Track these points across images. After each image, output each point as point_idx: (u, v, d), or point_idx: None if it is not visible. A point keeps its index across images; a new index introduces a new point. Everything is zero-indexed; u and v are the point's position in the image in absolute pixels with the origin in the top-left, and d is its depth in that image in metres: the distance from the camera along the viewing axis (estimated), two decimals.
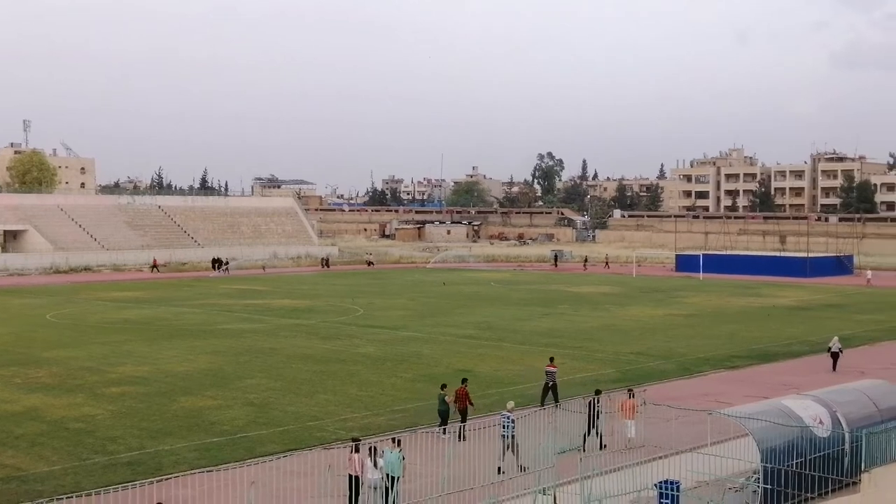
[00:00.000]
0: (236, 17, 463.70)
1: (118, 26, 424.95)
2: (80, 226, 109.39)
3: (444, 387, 29.47)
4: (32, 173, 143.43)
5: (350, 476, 21.29)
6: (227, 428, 28.15)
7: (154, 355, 41.81)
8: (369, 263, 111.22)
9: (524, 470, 22.23)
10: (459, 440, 25.70)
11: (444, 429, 26.75)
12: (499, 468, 23.25)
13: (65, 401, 31.90)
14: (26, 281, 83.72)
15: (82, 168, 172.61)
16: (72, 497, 19.16)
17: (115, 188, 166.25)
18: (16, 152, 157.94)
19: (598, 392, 28.41)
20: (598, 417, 26.80)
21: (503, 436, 24.95)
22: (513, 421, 24.60)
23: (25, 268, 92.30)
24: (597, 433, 26.70)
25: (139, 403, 31.54)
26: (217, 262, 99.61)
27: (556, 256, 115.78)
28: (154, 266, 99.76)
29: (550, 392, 31.80)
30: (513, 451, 24.57)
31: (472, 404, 29.22)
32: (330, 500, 20.75)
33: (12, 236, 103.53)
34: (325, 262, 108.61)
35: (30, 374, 36.87)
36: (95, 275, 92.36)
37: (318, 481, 21.51)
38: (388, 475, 21.27)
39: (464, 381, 30.12)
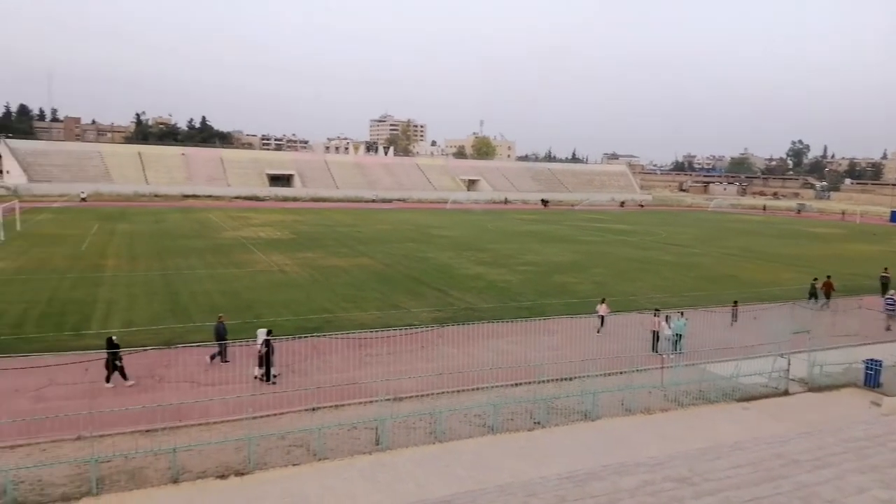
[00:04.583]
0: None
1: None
2: (506, 178, 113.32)
3: (815, 279, 28.27)
4: (483, 149, 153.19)
5: (653, 331, 20.75)
6: (580, 294, 28.55)
7: (542, 251, 43.08)
8: (640, 205, 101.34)
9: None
10: (823, 308, 25.51)
11: (812, 302, 26.24)
12: (888, 327, 23.15)
13: (495, 271, 34.13)
14: (476, 207, 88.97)
15: (508, 146, 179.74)
16: (497, 322, 20.66)
17: (524, 158, 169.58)
18: (476, 137, 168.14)
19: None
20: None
21: (889, 311, 24.45)
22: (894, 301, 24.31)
23: (477, 200, 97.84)
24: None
25: (534, 277, 32.92)
26: (544, 201, 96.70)
27: (799, 209, 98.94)
28: (544, 203, 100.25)
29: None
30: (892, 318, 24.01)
31: (834, 289, 27.26)
32: (642, 342, 20.45)
33: (471, 182, 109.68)
34: (622, 203, 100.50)
35: (478, 256, 39.74)
36: (512, 206, 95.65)
37: (635, 331, 21.20)
38: (676, 333, 20.41)
39: (828, 276, 28.21)
